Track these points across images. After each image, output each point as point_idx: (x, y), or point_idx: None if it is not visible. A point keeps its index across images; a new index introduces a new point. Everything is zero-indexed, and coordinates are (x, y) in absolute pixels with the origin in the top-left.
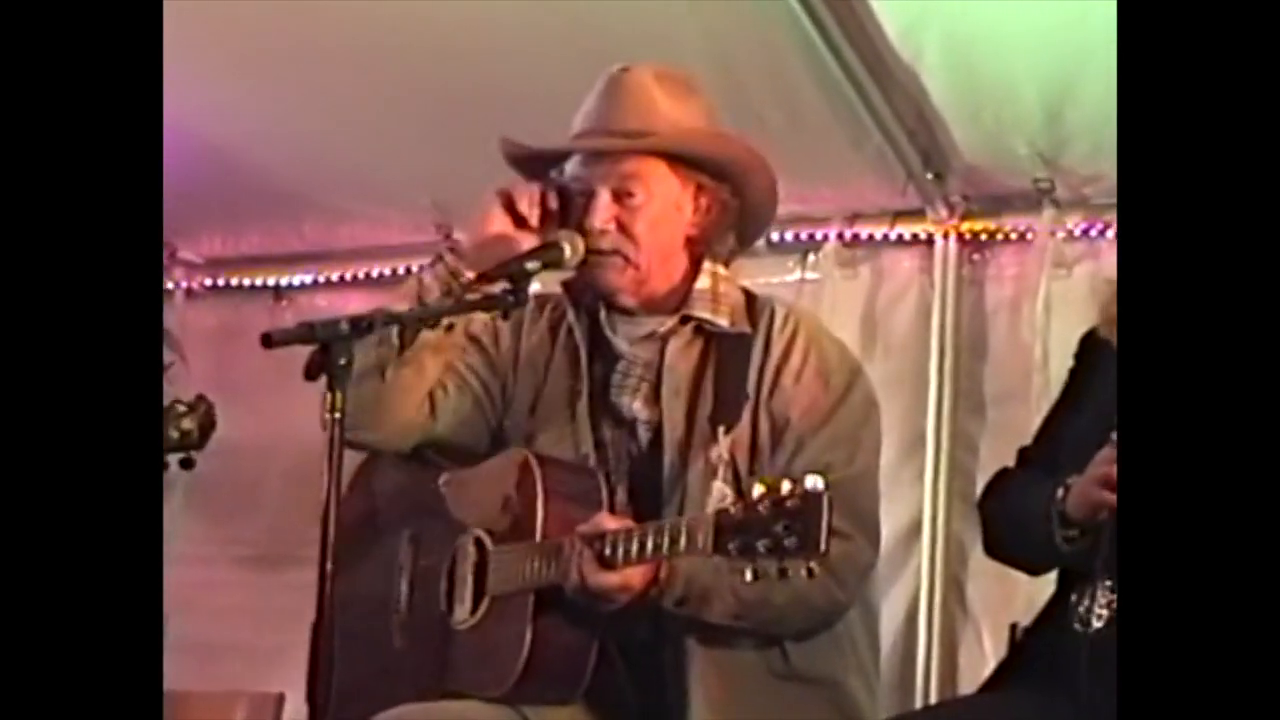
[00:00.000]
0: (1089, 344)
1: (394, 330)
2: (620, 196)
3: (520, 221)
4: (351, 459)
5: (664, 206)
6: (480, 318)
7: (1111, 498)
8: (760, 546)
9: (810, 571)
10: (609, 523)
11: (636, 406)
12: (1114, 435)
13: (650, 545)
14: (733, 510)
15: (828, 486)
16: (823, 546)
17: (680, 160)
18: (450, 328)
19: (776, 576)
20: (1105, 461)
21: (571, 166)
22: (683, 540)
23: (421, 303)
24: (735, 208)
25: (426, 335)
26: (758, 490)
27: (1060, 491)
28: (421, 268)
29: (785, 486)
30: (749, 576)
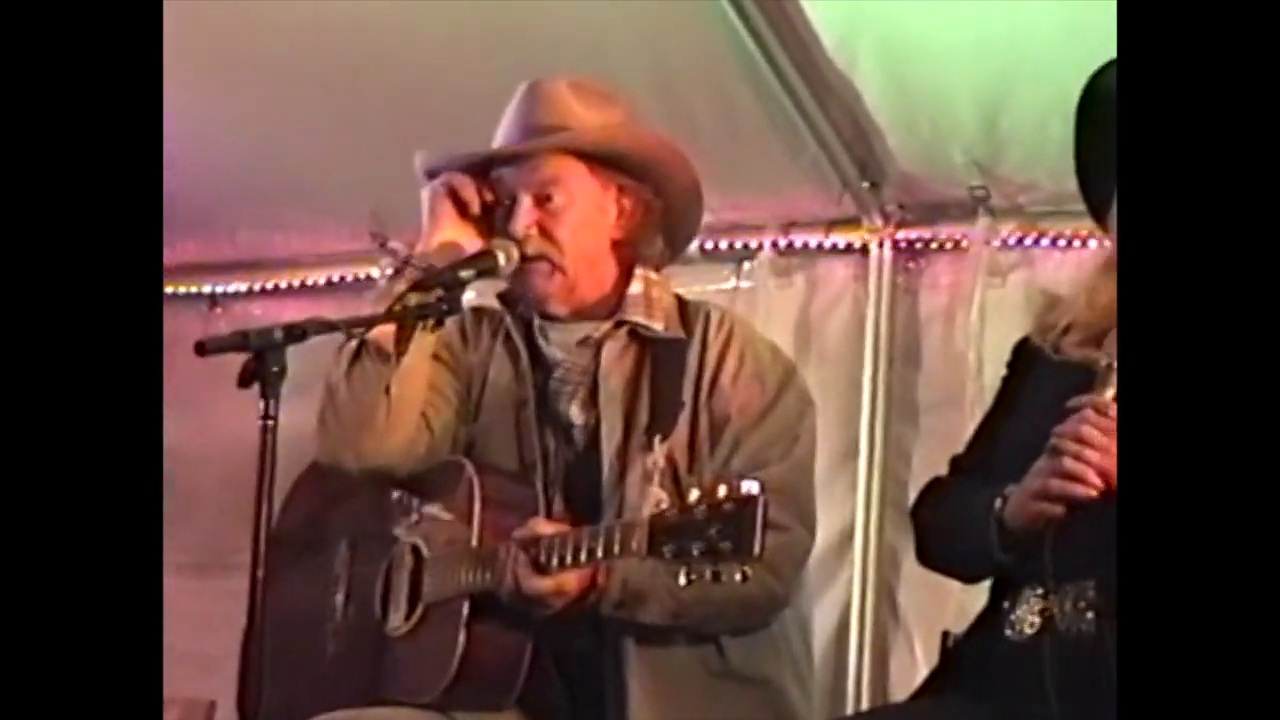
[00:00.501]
0: (1022, 352)
1: (389, 345)
2: (541, 201)
3: (466, 214)
4: (291, 467)
5: (586, 210)
6: (436, 333)
7: (1050, 509)
8: (695, 550)
9: (744, 575)
10: (544, 528)
11: (574, 412)
12: (1052, 443)
13: (585, 549)
14: (668, 514)
15: (764, 490)
16: (757, 550)
17: (599, 161)
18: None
19: (711, 580)
20: (1043, 473)
21: (494, 176)
22: (617, 544)
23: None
24: (659, 209)
25: (420, 340)
26: (693, 494)
27: (999, 502)
28: (387, 276)
29: (721, 490)
30: (683, 580)
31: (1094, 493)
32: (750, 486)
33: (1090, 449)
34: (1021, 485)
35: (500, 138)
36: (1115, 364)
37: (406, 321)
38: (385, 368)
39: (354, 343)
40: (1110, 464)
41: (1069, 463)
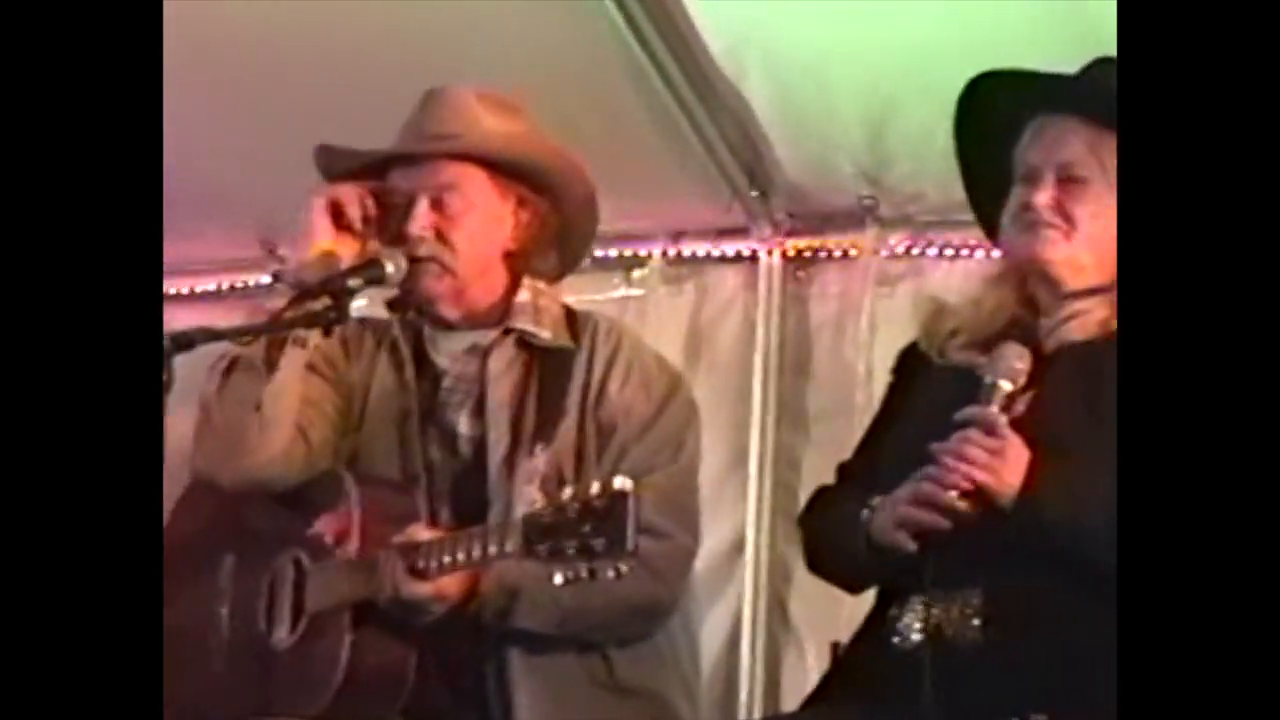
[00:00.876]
0: (907, 359)
1: (258, 362)
2: (438, 204)
3: (345, 226)
4: (181, 478)
5: (483, 217)
6: (310, 347)
7: (930, 518)
8: (569, 548)
9: (618, 572)
10: (422, 534)
11: (462, 422)
12: (934, 453)
13: (461, 553)
14: (541, 513)
15: (636, 487)
16: (629, 546)
17: (499, 170)
18: (305, 344)
19: (587, 577)
20: (925, 481)
21: (392, 179)
22: (493, 545)
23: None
24: (555, 224)
25: (290, 356)
26: (566, 493)
27: (865, 513)
28: (251, 291)
29: (594, 488)
30: (559, 579)
31: (968, 505)
32: (623, 483)
33: (971, 465)
34: (896, 493)
35: (398, 140)
36: (1001, 382)
37: (294, 331)
38: (257, 384)
39: (225, 360)
40: (990, 479)
41: (949, 476)
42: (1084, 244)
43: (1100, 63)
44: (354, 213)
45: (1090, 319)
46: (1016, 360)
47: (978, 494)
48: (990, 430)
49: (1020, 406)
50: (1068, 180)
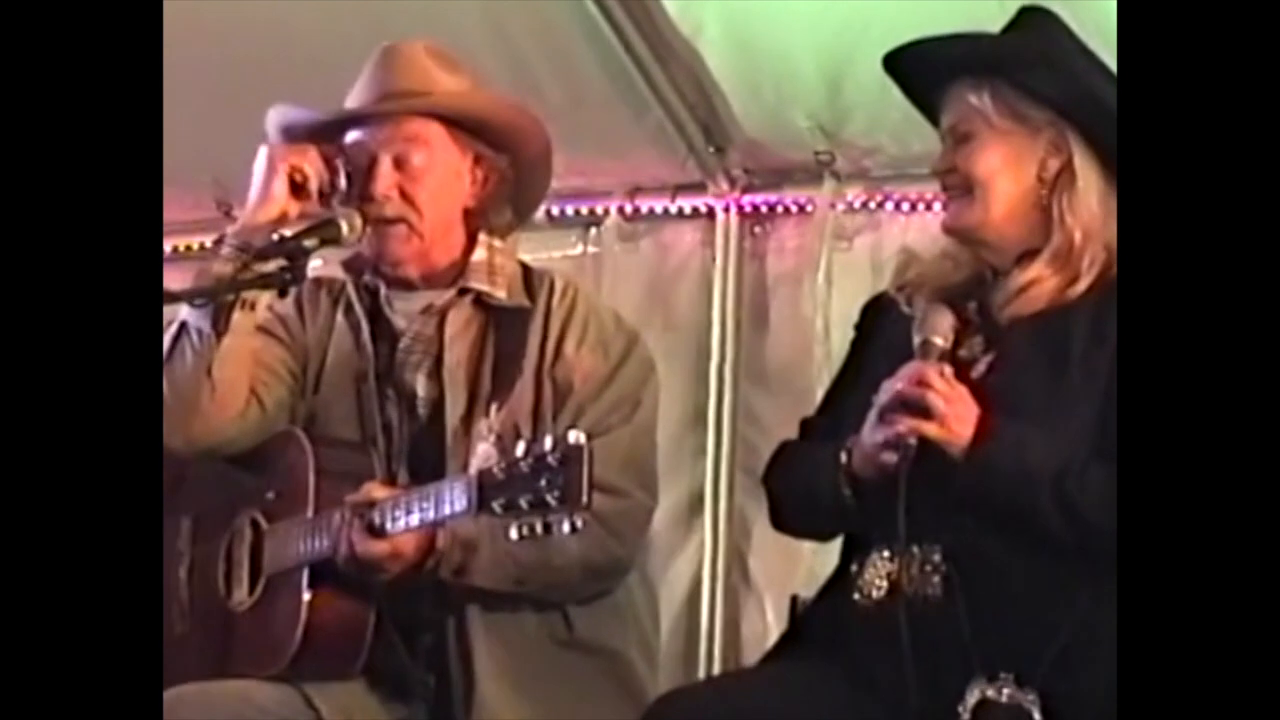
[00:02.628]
0: (871, 310)
1: (207, 327)
2: (402, 163)
3: (300, 189)
4: None
5: (444, 174)
6: (262, 309)
7: (889, 457)
8: (523, 502)
9: (574, 526)
10: (378, 492)
11: (419, 383)
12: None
13: (416, 510)
14: (496, 469)
15: (593, 445)
16: (584, 499)
17: (459, 126)
18: (253, 306)
19: (543, 532)
20: (882, 413)
21: (351, 137)
22: (447, 501)
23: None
24: (512, 179)
25: (239, 320)
26: (520, 449)
27: (844, 455)
28: (207, 253)
29: (547, 443)
30: (514, 534)
31: (933, 428)
32: (576, 437)
33: (908, 413)
34: (862, 434)
35: (355, 100)
36: (933, 339)
37: (241, 294)
38: (205, 349)
39: (174, 326)
40: (948, 409)
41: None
42: (989, 204)
43: (1024, 11)
44: (314, 177)
45: (1043, 288)
46: (943, 318)
47: (925, 443)
48: (921, 381)
49: (981, 367)
50: (959, 142)
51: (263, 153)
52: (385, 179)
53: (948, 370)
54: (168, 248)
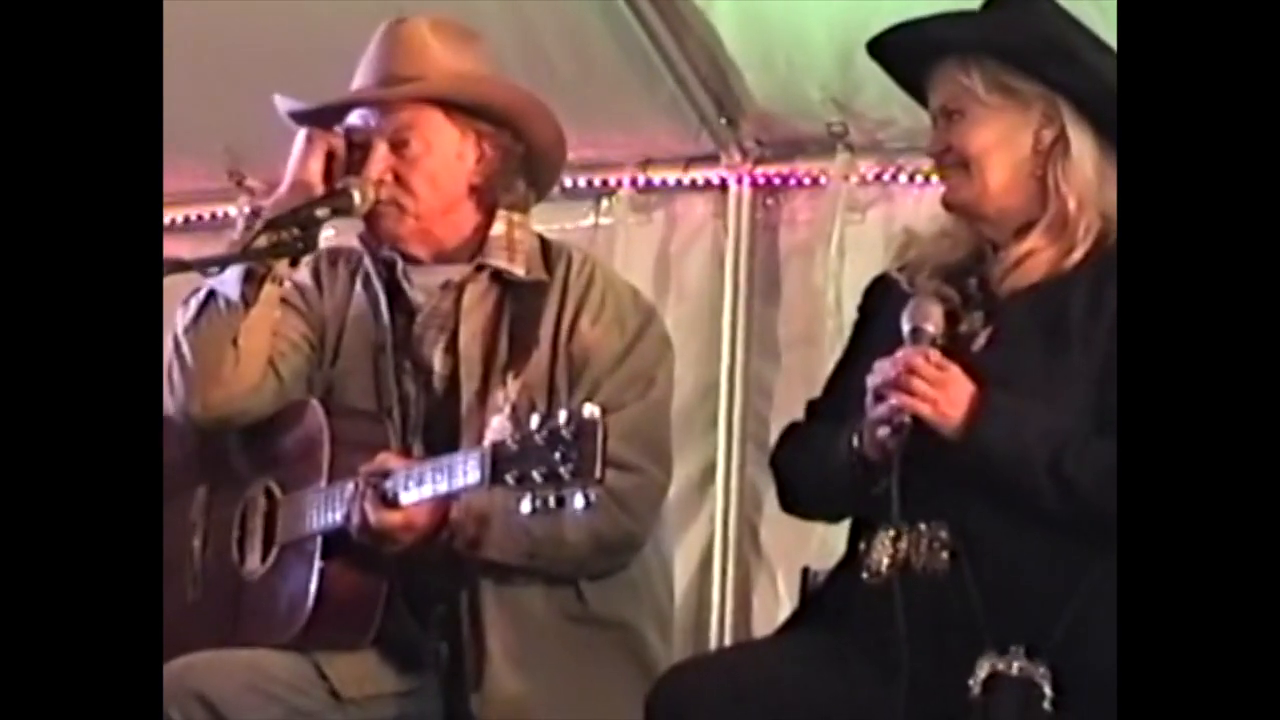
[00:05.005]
0: (875, 290)
1: (235, 296)
2: (397, 147)
3: (330, 171)
4: None
5: (443, 157)
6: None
7: (887, 437)
8: (536, 475)
9: (587, 500)
10: (393, 462)
11: (436, 357)
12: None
13: (430, 480)
14: (509, 441)
15: (608, 421)
16: (598, 473)
17: (456, 108)
18: (282, 281)
19: (555, 505)
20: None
21: (351, 119)
22: (461, 472)
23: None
24: (520, 153)
25: (268, 292)
26: (534, 422)
27: (855, 439)
28: (245, 225)
29: (562, 416)
30: (527, 507)
31: (925, 409)
32: (591, 410)
33: (914, 376)
34: (866, 417)
35: (359, 79)
36: (924, 326)
37: (263, 262)
38: (233, 318)
39: (201, 293)
40: (938, 393)
41: (897, 387)
42: (986, 178)
43: None
44: (340, 159)
45: (1040, 259)
46: (934, 306)
47: (918, 423)
48: (909, 367)
49: (981, 340)
50: (950, 120)
51: (301, 134)
52: (379, 163)
53: (934, 354)
54: (180, 217)
